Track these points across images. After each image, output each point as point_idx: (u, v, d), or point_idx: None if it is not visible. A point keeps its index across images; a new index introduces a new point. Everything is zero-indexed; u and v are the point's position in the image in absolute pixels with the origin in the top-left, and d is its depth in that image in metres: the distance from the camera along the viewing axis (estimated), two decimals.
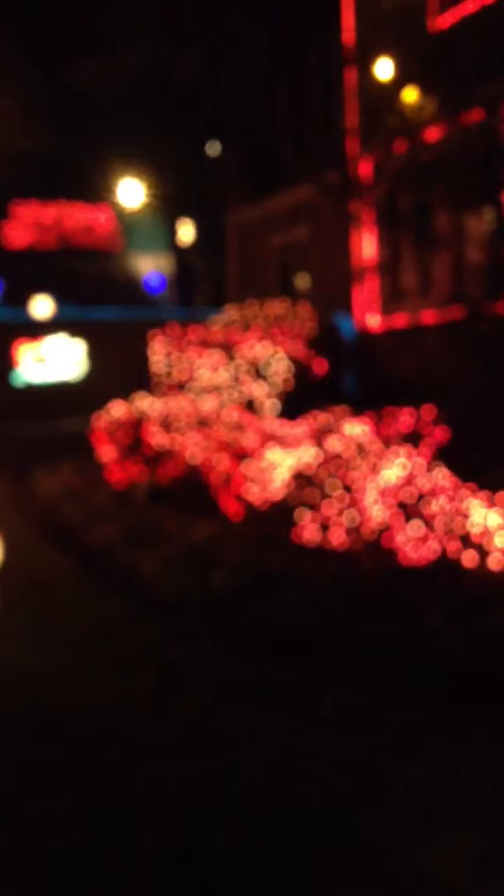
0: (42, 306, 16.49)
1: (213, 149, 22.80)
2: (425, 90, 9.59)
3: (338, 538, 6.97)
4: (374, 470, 7.16)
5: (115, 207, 24.79)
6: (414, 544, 6.33)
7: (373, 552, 6.47)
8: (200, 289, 25.19)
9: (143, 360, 11.20)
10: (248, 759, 3.88)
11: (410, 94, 9.75)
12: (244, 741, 4.05)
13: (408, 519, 6.42)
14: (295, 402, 10.34)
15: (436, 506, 6.42)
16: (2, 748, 4.05)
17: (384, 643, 4.87)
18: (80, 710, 4.43)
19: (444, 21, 12.28)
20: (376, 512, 6.69)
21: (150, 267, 25.51)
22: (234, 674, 4.91)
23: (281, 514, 7.44)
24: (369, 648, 4.88)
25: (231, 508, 8.06)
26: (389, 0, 12.90)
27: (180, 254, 24.96)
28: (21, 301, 16.94)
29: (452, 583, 5.66)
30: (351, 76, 11.66)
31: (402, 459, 7.32)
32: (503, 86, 9.09)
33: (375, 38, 10.63)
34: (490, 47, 9.59)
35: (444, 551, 6.18)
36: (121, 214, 24.84)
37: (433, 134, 9.71)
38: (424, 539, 6.31)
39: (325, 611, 5.24)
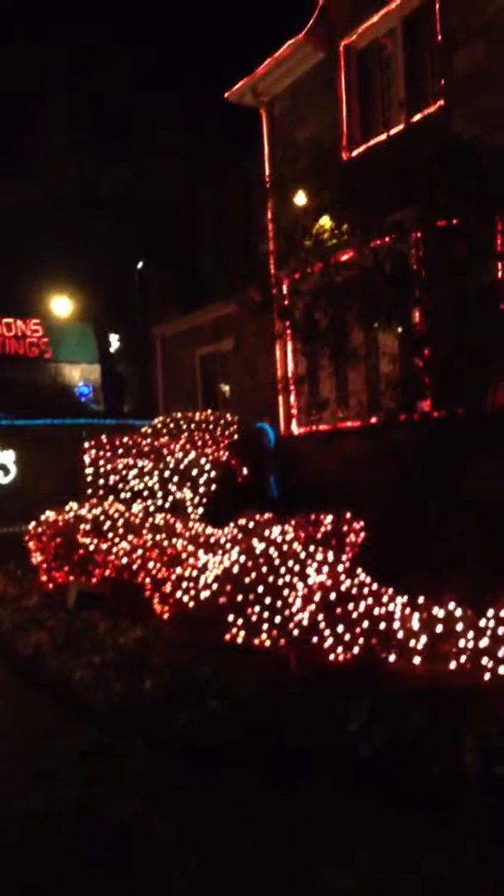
0: None
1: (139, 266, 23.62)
2: (338, 216, 10.26)
3: (265, 640, 7.16)
4: (299, 572, 7.41)
5: (45, 319, 25.36)
6: (338, 645, 6.53)
7: (299, 653, 6.60)
8: (128, 397, 25.65)
9: (75, 467, 11.42)
10: (171, 879, 3.82)
11: (324, 220, 10.43)
12: (168, 860, 3.99)
13: (332, 620, 6.63)
14: (221, 506, 10.60)
15: (359, 607, 6.65)
16: None
17: (311, 750, 4.92)
18: (2, 827, 4.36)
19: (356, 152, 13.31)
20: (301, 614, 6.91)
21: (79, 376, 25.99)
22: (160, 789, 4.85)
23: (209, 616, 7.59)
24: (296, 756, 4.93)
25: (160, 611, 8.20)
26: (304, 133, 13.96)
27: (108, 363, 25.46)
28: None
29: (376, 684, 5.80)
30: (269, 202, 12.41)
31: (325, 562, 7.61)
32: (409, 213, 9.79)
33: (292, 167, 11.37)
34: (396, 177, 10.30)
35: (367, 652, 6.38)
36: (50, 326, 25.39)
37: (346, 256, 10.36)
38: (348, 640, 6.51)
39: (252, 718, 5.30)
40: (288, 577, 7.31)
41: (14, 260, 22.92)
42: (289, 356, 14.02)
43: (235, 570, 7.63)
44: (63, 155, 22.24)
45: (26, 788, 4.83)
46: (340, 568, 7.37)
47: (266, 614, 7.16)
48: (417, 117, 12.19)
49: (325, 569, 7.37)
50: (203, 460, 11.20)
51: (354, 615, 6.58)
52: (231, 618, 7.31)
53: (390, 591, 6.86)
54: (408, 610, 6.52)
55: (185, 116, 21.32)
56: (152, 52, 22.09)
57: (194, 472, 11.01)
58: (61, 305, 25.67)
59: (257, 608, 7.22)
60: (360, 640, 6.44)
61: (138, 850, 4.08)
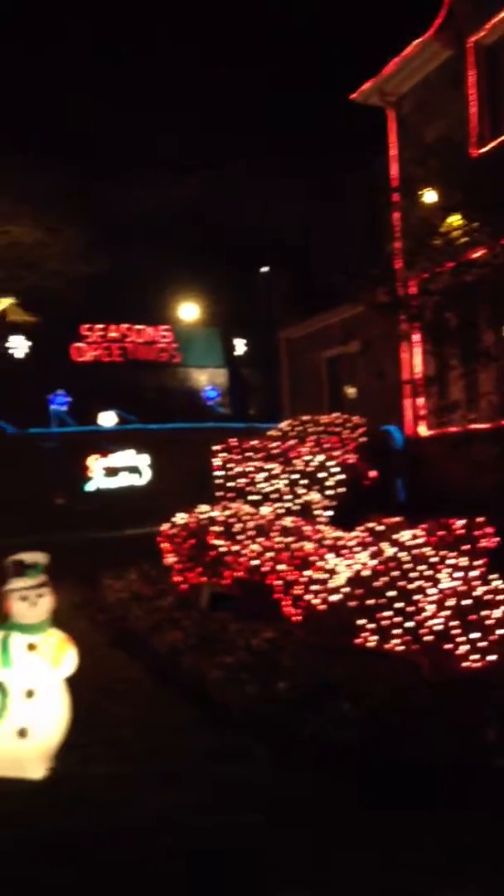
0: (108, 419, 17.29)
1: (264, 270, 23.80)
2: (468, 214, 10.09)
3: (396, 645, 7.10)
4: (431, 577, 7.32)
5: (173, 325, 25.92)
6: (473, 652, 6.41)
7: (431, 660, 6.54)
8: (254, 400, 25.89)
9: (204, 469, 11.63)
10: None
11: (454, 219, 10.28)
12: (288, 873, 3.93)
13: (466, 627, 6.52)
14: (348, 510, 10.55)
15: (494, 614, 6.51)
16: (44, 873, 4.00)
17: (444, 761, 4.83)
18: (133, 832, 4.37)
19: (486, 149, 13.04)
20: (434, 619, 6.83)
21: (205, 380, 26.41)
22: (288, 795, 4.81)
23: (339, 619, 7.60)
24: (429, 768, 4.82)
25: (290, 614, 8.25)
26: (433, 132, 13.77)
27: (234, 368, 25.79)
28: (89, 414, 17.80)
29: None
30: (396, 201, 12.30)
31: (457, 567, 7.48)
32: None
33: (420, 164, 11.26)
34: None
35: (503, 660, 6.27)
36: (178, 331, 25.93)
37: (477, 254, 10.17)
38: (483, 647, 6.38)
39: (384, 725, 5.25)
40: (419, 582, 7.23)
41: (144, 268, 23.52)
42: (416, 357, 13.84)
43: (366, 573, 7.61)
44: (188, 161, 22.68)
45: (149, 790, 4.90)
46: (474, 573, 7.24)
47: (397, 619, 7.10)
48: None
49: (458, 574, 7.26)
50: (330, 463, 11.20)
51: (489, 622, 6.45)
52: (362, 621, 7.29)
53: None
54: None
55: (304, 118, 21.36)
56: (267, 56, 22.32)
57: (322, 474, 11.02)
58: (188, 311, 26.16)
59: (388, 612, 7.18)
60: (496, 648, 6.31)
61: (241, 864, 4.04)
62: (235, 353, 26.35)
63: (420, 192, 11.07)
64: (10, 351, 24.64)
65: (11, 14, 21.64)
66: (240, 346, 26.77)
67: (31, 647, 5.07)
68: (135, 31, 22.74)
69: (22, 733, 4.95)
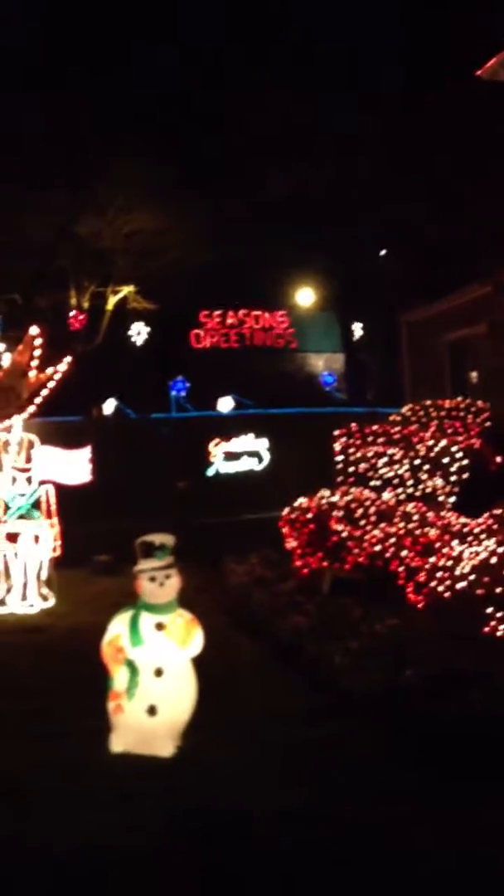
0: (226, 404, 17.48)
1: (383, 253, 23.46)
2: None
3: None
4: None
5: (290, 310, 25.90)
6: None
7: None
8: (372, 385, 25.61)
9: (324, 454, 11.56)
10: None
11: None
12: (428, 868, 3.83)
13: None
14: (473, 496, 10.31)
15: None
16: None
17: None
18: (244, 825, 4.30)
19: None
20: None
21: (322, 365, 26.29)
22: (415, 786, 4.67)
23: (465, 607, 7.43)
24: None
25: (414, 600, 8.13)
26: None
27: (351, 352, 25.57)
28: (206, 400, 18.04)
29: None
30: None
31: None
32: None
33: None
34: None
35: None
36: (295, 317, 25.90)
37: None
38: None
39: None
40: None
41: (261, 254, 23.54)
42: None
43: (493, 561, 7.41)
44: (308, 150, 22.51)
45: (274, 776, 4.86)
46: None
47: None
48: None
49: None
50: (454, 448, 10.95)
51: None
52: (489, 610, 7.11)
53: None
54: None
55: (425, 97, 20.83)
56: (394, 37, 21.94)
57: (445, 460, 10.79)
58: (305, 296, 26.10)
59: None
60: None
61: (374, 857, 3.96)
62: (353, 338, 26.12)
63: None
64: (132, 338, 25.22)
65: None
66: (357, 330, 26.52)
67: (160, 626, 5.13)
68: (249, 20, 22.69)
69: (151, 711, 5.02)
